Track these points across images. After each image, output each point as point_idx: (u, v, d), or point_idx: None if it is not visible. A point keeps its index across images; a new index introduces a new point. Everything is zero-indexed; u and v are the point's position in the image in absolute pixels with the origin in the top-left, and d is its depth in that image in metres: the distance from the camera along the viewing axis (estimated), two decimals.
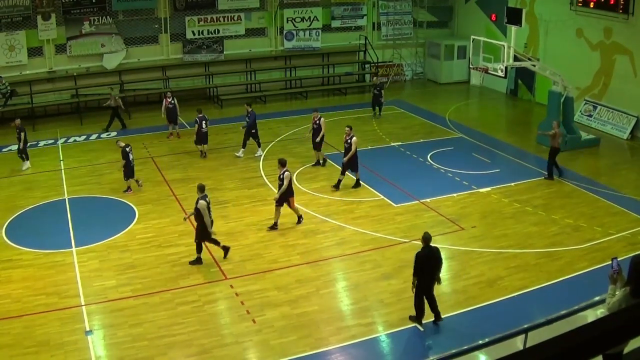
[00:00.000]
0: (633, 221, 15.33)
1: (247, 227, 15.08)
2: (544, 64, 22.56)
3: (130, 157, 16.85)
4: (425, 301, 11.10)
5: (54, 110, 24.50)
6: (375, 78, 25.40)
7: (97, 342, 10.77)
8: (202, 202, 12.94)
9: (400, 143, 21.14)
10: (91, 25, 24.88)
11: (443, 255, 13.62)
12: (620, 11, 21.51)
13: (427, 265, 10.79)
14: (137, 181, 17.15)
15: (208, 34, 26.77)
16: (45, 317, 11.42)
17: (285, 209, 14.93)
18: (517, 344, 8.63)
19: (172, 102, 21.50)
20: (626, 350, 5.52)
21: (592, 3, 22.49)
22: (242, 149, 19.67)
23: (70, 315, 11.49)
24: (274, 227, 14.88)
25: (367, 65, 29.56)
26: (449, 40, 29.95)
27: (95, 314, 11.61)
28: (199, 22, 26.59)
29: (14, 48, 23.81)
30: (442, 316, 11.39)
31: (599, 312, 9.01)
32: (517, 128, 23.66)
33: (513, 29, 20.50)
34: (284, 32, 28.15)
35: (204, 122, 19.61)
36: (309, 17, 28.22)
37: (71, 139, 21.72)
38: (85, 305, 11.86)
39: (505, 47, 19.28)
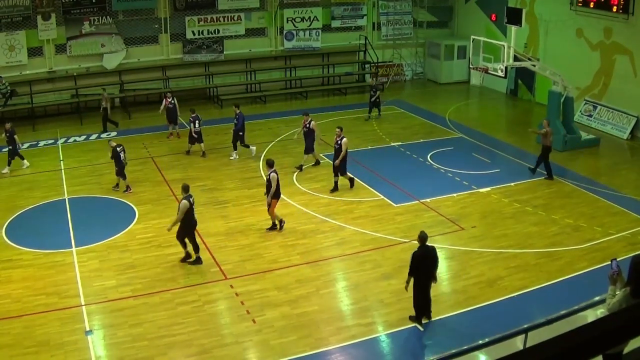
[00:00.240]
0: (633, 221, 15.33)
1: (247, 227, 15.08)
2: (544, 64, 22.56)
3: (122, 157, 16.86)
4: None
5: (54, 110, 24.50)
6: (371, 79, 25.23)
7: (97, 342, 10.77)
8: (184, 201, 12.87)
9: (400, 143, 21.14)
10: (91, 25, 24.89)
11: (443, 255, 13.74)
12: (620, 11, 21.51)
13: (423, 264, 10.79)
14: (117, 184, 17.18)
15: (208, 34, 26.77)
16: (45, 317, 11.42)
17: (279, 209, 14.94)
18: (517, 344, 8.63)
19: (172, 102, 21.50)
20: (626, 350, 5.52)
21: (592, 3, 22.49)
22: (235, 152, 19.52)
23: (70, 315, 11.49)
24: (273, 227, 14.86)
25: (367, 65, 29.56)
26: (449, 40, 29.95)
27: (95, 314, 11.61)
28: (199, 22, 26.60)
29: (14, 48, 23.81)
30: (442, 316, 11.41)
31: (599, 312, 9.02)
32: (517, 128, 23.63)
33: (513, 29, 20.50)
34: (284, 32, 28.16)
35: (197, 121, 19.71)
36: (309, 17, 28.22)
37: (71, 139, 21.72)
38: (85, 305, 11.86)
39: (505, 47, 19.28)
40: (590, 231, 14.83)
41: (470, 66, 23.39)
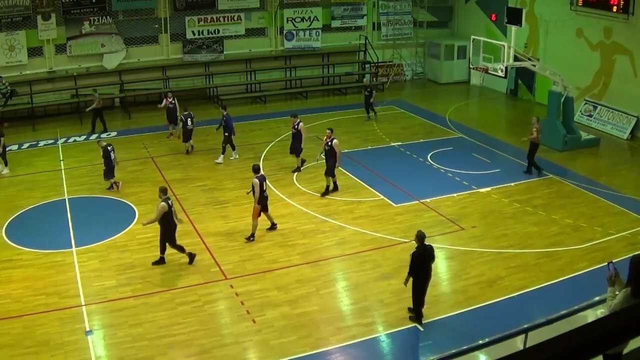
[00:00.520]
0: (633, 221, 15.34)
1: (247, 227, 15.04)
2: (544, 64, 22.57)
3: (112, 156, 16.87)
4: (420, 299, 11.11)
5: (54, 110, 24.50)
6: (365, 79, 25.04)
7: (97, 342, 10.77)
8: (163, 204, 12.77)
9: (400, 143, 21.15)
10: (91, 25, 24.88)
11: (443, 255, 13.76)
12: (620, 11, 21.51)
13: (421, 263, 10.80)
14: (116, 183, 17.18)
15: (208, 34, 26.77)
16: (45, 317, 11.41)
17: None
18: (517, 344, 8.64)
19: (173, 102, 21.50)
20: (626, 350, 5.52)
21: (592, 3, 22.49)
22: (222, 155, 19.30)
23: (70, 315, 11.49)
24: (272, 227, 14.83)
25: (367, 65, 29.57)
26: (449, 40, 29.95)
27: (95, 314, 11.61)
28: (199, 22, 26.60)
29: (14, 48, 23.81)
30: (442, 316, 11.43)
31: (599, 312, 9.02)
32: (517, 128, 23.58)
33: (513, 29, 20.51)
34: (284, 32, 28.16)
35: (189, 119, 19.81)
36: (309, 17, 28.22)
37: (71, 139, 21.72)
38: (85, 305, 11.86)
39: (505, 47, 19.28)
40: (590, 231, 14.83)
41: (471, 66, 23.40)
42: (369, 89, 23.56)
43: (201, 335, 10.90)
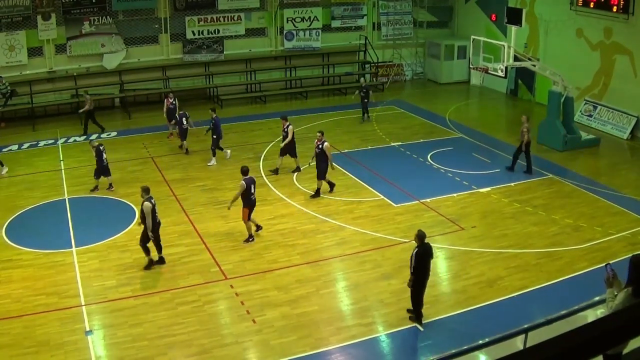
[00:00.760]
0: (633, 221, 15.34)
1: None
2: (544, 64, 22.56)
3: (104, 156, 16.90)
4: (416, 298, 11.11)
5: (54, 110, 24.50)
6: (362, 80, 24.85)
7: (97, 342, 10.77)
8: (147, 203, 12.76)
9: (400, 143, 21.15)
10: (91, 25, 24.88)
11: (443, 255, 13.78)
12: (620, 11, 21.51)
13: (422, 262, 10.79)
14: (110, 184, 17.21)
15: (208, 34, 26.77)
16: (45, 317, 11.42)
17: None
18: (517, 344, 8.64)
19: (174, 102, 21.50)
20: (626, 350, 5.53)
21: (592, 3, 22.50)
22: (214, 158, 19.22)
23: (70, 315, 11.49)
24: (249, 239, 14.37)
25: (367, 65, 29.57)
26: (449, 40, 29.95)
27: (95, 314, 11.61)
28: (199, 22, 26.60)
29: (14, 48, 23.81)
30: (442, 316, 11.43)
31: (599, 312, 9.02)
32: (517, 128, 23.48)
33: (513, 29, 20.50)
34: (284, 32, 28.16)
35: (184, 119, 19.88)
36: (309, 17, 28.22)
37: (71, 139, 21.72)
38: (85, 305, 11.86)
39: (505, 47, 19.28)
40: (590, 231, 14.83)
41: (471, 66, 23.40)
42: (364, 90, 23.40)
43: (201, 335, 10.90)
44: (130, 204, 16.40)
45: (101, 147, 16.99)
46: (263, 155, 19.77)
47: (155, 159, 19.73)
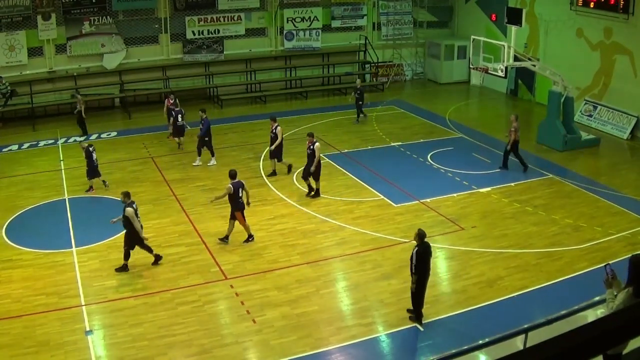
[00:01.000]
0: (633, 221, 15.34)
1: None
2: (544, 64, 22.56)
3: (94, 156, 16.92)
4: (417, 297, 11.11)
5: (54, 110, 24.50)
6: (357, 81, 24.68)
7: (97, 342, 10.77)
8: (129, 209, 12.71)
9: (400, 143, 21.15)
10: (91, 25, 24.89)
11: (443, 255, 13.79)
12: (620, 11, 21.51)
13: (422, 261, 10.79)
14: (103, 181, 17.21)
15: (208, 34, 26.77)
16: (45, 317, 11.42)
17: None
18: (517, 344, 8.63)
19: (175, 102, 21.50)
20: (626, 350, 5.52)
21: (592, 3, 22.50)
22: (198, 158, 19.08)
23: (70, 315, 11.49)
24: (224, 238, 14.26)
25: (367, 65, 29.57)
26: (449, 40, 29.95)
27: (95, 314, 11.61)
28: (199, 22, 26.60)
29: (14, 48, 23.81)
30: (442, 316, 11.43)
31: (599, 312, 9.02)
32: None
33: (513, 29, 20.50)
34: (284, 32, 28.16)
35: (179, 115, 19.97)
36: (309, 17, 28.22)
37: (71, 139, 21.71)
38: (85, 305, 11.86)
39: (505, 47, 19.28)
40: (590, 231, 14.83)
41: (471, 66, 23.39)
42: (359, 91, 23.22)
43: (201, 335, 10.90)
44: None
45: (90, 148, 17.00)
46: (263, 155, 19.75)
47: (155, 159, 19.73)
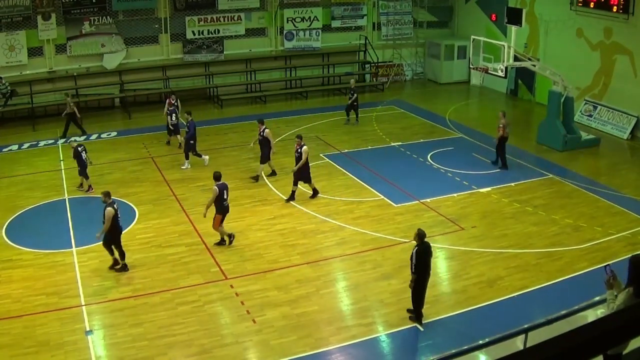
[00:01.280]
0: (633, 221, 15.34)
1: (247, 227, 15.09)
2: (544, 64, 22.56)
3: (84, 156, 16.92)
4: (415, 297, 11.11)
5: (54, 110, 24.43)
6: (352, 81, 24.35)
7: (97, 342, 10.77)
8: (109, 209, 12.61)
9: (400, 143, 21.15)
10: (91, 25, 24.89)
11: (443, 255, 13.79)
12: (620, 11, 21.51)
13: (423, 261, 10.79)
14: (81, 184, 17.16)
15: (208, 34, 26.77)
16: (45, 317, 11.42)
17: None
18: (517, 344, 8.63)
19: (175, 103, 21.49)
20: (626, 350, 5.52)
21: (592, 3, 22.50)
22: (187, 161, 18.87)
23: (70, 315, 11.49)
24: (221, 242, 14.16)
25: (367, 65, 29.58)
26: (449, 40, 29.95)
27: (95, 314, 11.61)
28: (199, 22, 26.60)
29: (14, 48, 23.81)
30: (442, 316, 11.43)
31: (599, 312, 9.02)
32: (517, 128, 23.58)
33: (513, 29, 20.50)
34: (284, 32, 28.16)
35: (174, 114, 20.09)
36: (309, 17, 28.22)
37: (71, 139, 21.65)
38: (85, 305, 11.86)
39: (505, 47, 19.28)
40: (590, 231, 14.83)
41: (471, 66, 23.39)
42: (352, 92, 22.97)
43: (201, 335, 10.90)
44: (130, 204, 16.39)
45: (79, 148, 17.00)
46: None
47: (155, 159, 19.72)
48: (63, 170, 18.79)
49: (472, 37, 21.58)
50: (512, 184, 17.63)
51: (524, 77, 26.70)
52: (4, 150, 20.81)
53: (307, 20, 28.21)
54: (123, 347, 10.62)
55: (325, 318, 11.49)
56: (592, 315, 9.34)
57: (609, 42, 22.52)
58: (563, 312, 8.74)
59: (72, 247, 14.02)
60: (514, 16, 20.45)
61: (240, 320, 11.40)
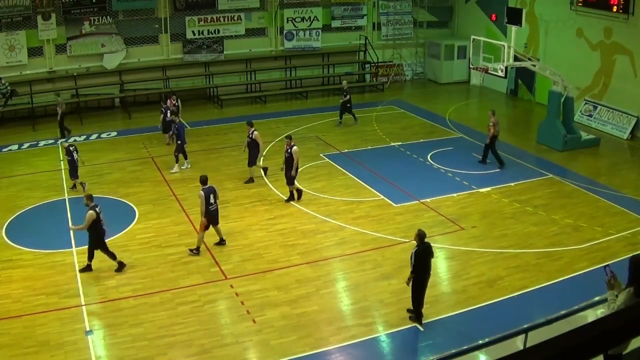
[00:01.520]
0: (633, 221, 15.34)
1: (247, 227, 15.09)
2: (544, 64, 22.56)
3: (75, 156, 16.90)
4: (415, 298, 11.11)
5: (53, 110, 24.34)
6: (345, 82, 24.16)
7: (97, 342, 10.77)
8: (91, 212, 12.57)
9: (400, 143, 21.14)
10: (91, 25, 24.89)
11: (443, 255, 13.78)
12: (620, 11, 21.51)
13: (422, 261, 10.79)
14: (82, 184, 17.13)
15: (208, 34, 26.78)
16: (45, 317, 11.42)
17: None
18: (517, 344, 8.63)
19: (176, 103, 21.51)
20: (626, 350, 5.52)
21: (592, 3, 22.49)
22: (177, 164, 18.70)
23: (70, 315, 11.49)
24: (220, 242, 14.08)
25: (367, 65, 29.58)
26: (449, 40, 29.95)
27: (95, 314, 11.61)
28: (199, 22, 26.60)
29: (14, 48, 23.81)
30: (442, 316, 11.43)
31: (599, 312, 9.02)
32: (517, 128, 23.66)
33: (513, 29, 20.50)
34: (284, 32, 28.16)
35: (168, 112, 20.13)
36: (309, 17, 28.23)
37: (71, 139, 21.61)
38: (85, 305, 11.86)
39: (505, 47, 19.28)
40: (590, 231, 14.83)
41: (471, 66, 23.39)
42: (345, 93, 22.82)
43: (201, 335, 10.90)
44: (130, 204, 16.40)
45: (71, 148, 17.00)
46: (263, 155, 19.73)
47: (155, 159, 19.72)
48: (63, 170, 18.75)
49: (472, 37, 21.58)
50: (512, 184, 17.63)
51: (524, 77, 26.70)
52: (4, 150, 20.81)
53: (307, 20, 28.22)
54: (123, 347, 10.62)
55: (325, 318, 11.49)
56: (592, 315, 9.34)
57: (609, 42, 22.52)
58: (563, 312, 8.74)
59: (72, 247, 14.01)
60: (514, 16, 20.45)
61: (240, 320, 11.40)
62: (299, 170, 16.38)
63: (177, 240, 14.39)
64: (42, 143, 21.42)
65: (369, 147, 20.73)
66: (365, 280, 12.71)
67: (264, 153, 20.00)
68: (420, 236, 10.82)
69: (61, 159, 19.82)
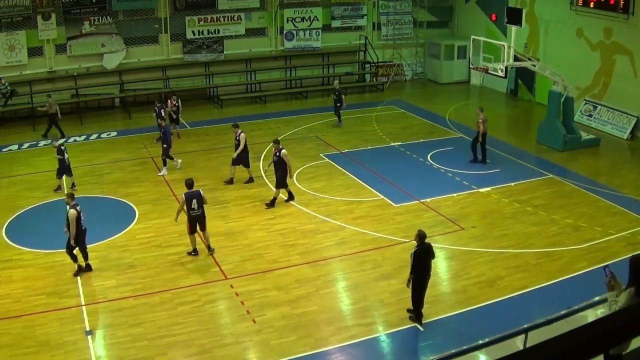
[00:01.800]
0: (633, 221, 15.33)
1: (247, 227, 15.09)
2: (544, 64, 22.56)
3: (65, 155, 16.88)
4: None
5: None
6: (336, 82, 24.08)
7: (97, 342, 10.77)
8: (72, 211, 12.50)
9: (400, 143, 21.14)
10: (91, 25, 24.89)
11: (443, 255, 13.78)
12: (620, 11, 21.51)
13: (422, 262, 10.79)
14: (72, 183, 17.12)
15: (208, 34, 26.77)
16: (45, 317, 11.42)
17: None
18: (517, 344, 8.63)
19: (177, 104, 21.50)
20: (626, 350, 5.51)
21: (592, 3, 22.50)
22: (164, 167, 18.54)
23: (70, 315, 11.49)
24: (208, 249, 13.81)
25: (367, 65, 29.58)
26: (449, 40, 29.95)
27: (95, 314, 11.61)
28: (199, 22, 26.60)
29: (14, 48, 23.81)
30: (442, 316, 11.43)
31: (599, 312, 9.01)
32: (517, 128, 23.67)
33: (513, 29, 20.50)
34: (284, 32, 28.16)
35: (162, 111, 20.14)
36: (309, 17, 28.22)
37: (71, 139, 21.70)
38: (85, 305, 11.86)
39: (505, 47, 19.28)
40: (590, 231, 14.83)
41: (471, 66, 23.39)
42: (337, 93, 22.82)
43: (201, 335, 10.90)
44: (130, 204, 16.40)
45: (62, 147, 17.00)
46: (263, 155, 19.74)
47: (156, 159, 19.70)
48: None
49: (472, 37, 21.58)
50: (512, 184, 17.63)
51: (524, 77, 26.70)
52: (4, 150, 20.81)
53: (307, 20, 28.21)
54: (123, 347, 10.62)
55: (325, 318, 11.49)
56: (592, 315, 9.33)
57: (609, 42, 22.52)
58: (563, 312, 8.74)
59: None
60: (514, 16, 20.45)
61: (240, 320, 11.40)
62: (287, 172, 16.01)
63: (177, 240, 14.38)
64: (42, 143, 21.41)
65: (369, 147, 20.73)
66: (365, 280, 12.71)
67: (264, 153, 20.02)
68: (421, 237, 10.82)
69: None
